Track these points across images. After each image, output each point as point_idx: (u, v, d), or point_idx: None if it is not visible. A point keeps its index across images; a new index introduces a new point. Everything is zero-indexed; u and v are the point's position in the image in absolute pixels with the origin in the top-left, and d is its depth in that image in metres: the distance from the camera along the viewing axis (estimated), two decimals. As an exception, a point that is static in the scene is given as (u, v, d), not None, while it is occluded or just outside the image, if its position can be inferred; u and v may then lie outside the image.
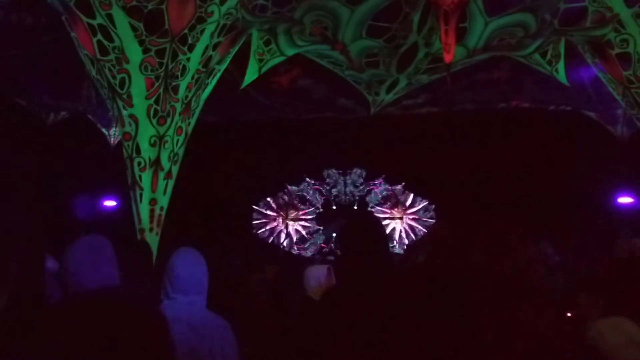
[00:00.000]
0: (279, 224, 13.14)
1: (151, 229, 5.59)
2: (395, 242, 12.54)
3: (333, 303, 2.51)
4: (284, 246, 12.58)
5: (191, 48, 5.21)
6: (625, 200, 10.94)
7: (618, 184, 10.71)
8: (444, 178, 10.86)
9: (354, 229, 2.73)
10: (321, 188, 13.24)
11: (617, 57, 6.32)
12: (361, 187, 13.18)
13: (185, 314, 2.47)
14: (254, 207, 13.03)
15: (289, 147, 10.94)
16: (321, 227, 13.06)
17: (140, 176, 5.44)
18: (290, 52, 7.08)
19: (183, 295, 2.52)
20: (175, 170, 5.70)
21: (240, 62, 6.84)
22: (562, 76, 7.53)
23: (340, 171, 13.13)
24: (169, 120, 5.31)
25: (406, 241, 12.84)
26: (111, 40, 5.07)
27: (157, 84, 5.16)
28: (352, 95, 8.85)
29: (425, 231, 12.76)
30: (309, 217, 13.19)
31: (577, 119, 10.00)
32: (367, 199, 13.17)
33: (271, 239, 12.95)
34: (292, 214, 13.16)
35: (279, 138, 10.69)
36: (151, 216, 5.55)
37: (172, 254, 2.63)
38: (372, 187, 13.21)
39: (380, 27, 6.56)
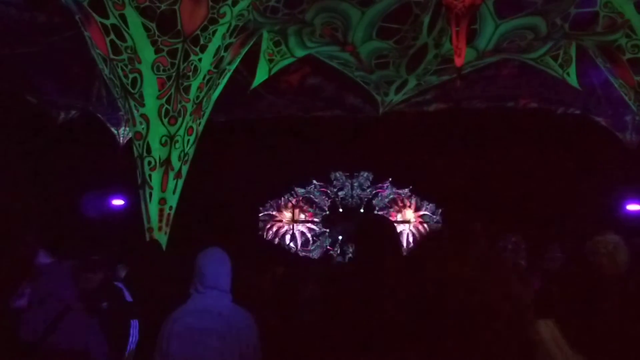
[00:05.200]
0: (285, 225, 13.15)
1: (160, 228, 5.62)
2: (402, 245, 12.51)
3: (340, 304, 2.52)
4: (289, 248, 12.58)
5: (203, 49, 5.23)
6: (633, 207, 10.88)
7: (627, 191, 10.66)
8: (451, 181, 10.83)
9: (368, 230, 2.73)
10: (328, 190, 13.25)
11: (628, 62, 6.30)
12: (368, 190, 13.17)
13: (215, 306, 2.64)
14: (261, 208, 13.05)
15: (296, 148, 10.95)
16: (327, 230, 13.06)
17: (150, 175, 5.47)
18: (300, 53, 7.10)
19: (212, 289, 2.68)
20: (185, 170, 5.73)
21: (249, 61, 6.86)
22: (573, 80, 7.51)
23: (347, 174, 13.14)
24: (180, 120, 5.33)
25: (413, 245, 12.81)
26: (124, 40, 5.10)
27: (168, 84, 5.19)
28: (360, 94, 8.85)
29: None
30: (315, 219, 13.20)
31: (586, 124, 9.97)
32: (374, 202, 13.16)
33: (277, 240, 12.96)
34: (299, 216, 13.17)
35: (286, 138, 10.70)
36: (160, 215, 5.57)
37: (200, 253, 2.78)
38: (379, 190, 13.20)
39: (391, 29, 6.56)
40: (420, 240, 1.30)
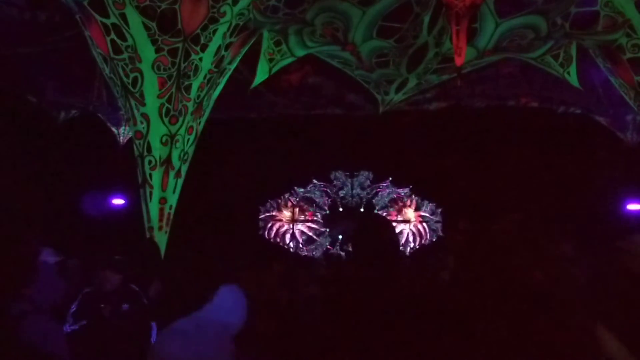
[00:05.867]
0: (285, 225, 13.15)
1: (160, 227, 5.62)
2: (402, 245, 12.52)
3: (338, 304, 2.52)
4: (290, 247, 12.59)
5: (204, 48, 5.24)
6: (634, 207, 10.88)
7: (627, 190, 10.66)
8: (452, 180, 10.82)
9: (367, 230, 2.72)
10: (328, 190, 13.25)
11: (628, 61, 6.30)
12: (368, 190, 13.18)
13: (196, 326, 2.67)
14: (261, 207, 13.05)
15: (297, 147, 10.95)
16: (328, 229, 13.06)
17: (150, 174, 5.47)
18: (301, 52, 7.10)
19: (209, 312, 2.74)
20: (184, 169, 5.73)
21: (249, 60, 6.86)
22: (573, 79, 7.50)
23: (348, 173, 13.14)
24: (180, 119, 5.34)
25: (412, 244, 12.82)
26: (124, 39, 5.10)
27: (169, 83, 5.19)
28: (361, 93, 8.85)
29: (433, 235, 12.76)
30: (315, 218, 13.20)
31: (587, 124, 9.96)
32: (374, 201, 13.16)
33: (277, 239, 12.97)
34: (299, 216, 13.17)
35: (286, 137, 10.70)
36: (161, 214, 5.58)
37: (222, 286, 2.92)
38: (379, 189, 13.20)
39: (391, 28, 6.56)
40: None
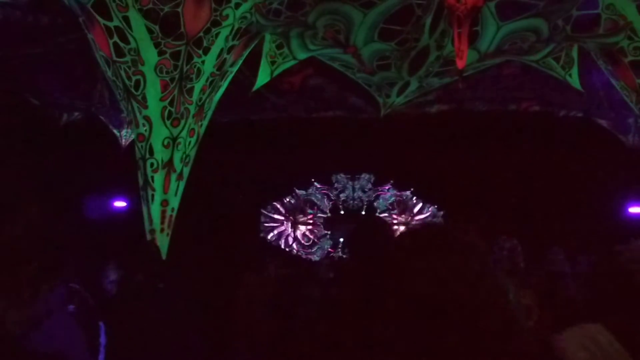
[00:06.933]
0: (286, 227, 13.15)
1: (162, 230, 5.64)
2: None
3: (336, 307, 2.53)
4: (291, 250, 12.59)
5: (206, 51, 5.26)
6: (636, 210, 10.87)
7: (629, 193, 10.65)
8: (453, 183, 10.83)
9: (363, 232, 2.74)
10: (329, 193, 13.25)
11: (630, 64, 6.31)
12: (369, 192, 13.17)
13: None
14: (262, 210, 13.05)
15: (298, 150, 10.96)
16: (329, 232, 13.06)
17: (152, 177, 5.49)
18: (302, 55, 7.12)
19: None
20: (186, 171, 5.75)
21: (251, 62, 6.89)
22: (575, 81, 7.51)
23: (349, 176, 13.13)
24: (182, 122, 5.36)
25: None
26: (127, 42, 5.13)
27: (171, 86, 5.22)
28: (362, 95, 8.86)
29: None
30: (316, 221, 13.20)
31: (588, 126, 9.97)
32: (376, 204, 13.15)
33: (279, 242, 12.97)
34: (300, 218, 13.17)
35: (287, 140, 10.71)
36: (162, 217, 5.59)
37: None
38: (381, 192, 13.20)
39: (392, 30, 6.57)
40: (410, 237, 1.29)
